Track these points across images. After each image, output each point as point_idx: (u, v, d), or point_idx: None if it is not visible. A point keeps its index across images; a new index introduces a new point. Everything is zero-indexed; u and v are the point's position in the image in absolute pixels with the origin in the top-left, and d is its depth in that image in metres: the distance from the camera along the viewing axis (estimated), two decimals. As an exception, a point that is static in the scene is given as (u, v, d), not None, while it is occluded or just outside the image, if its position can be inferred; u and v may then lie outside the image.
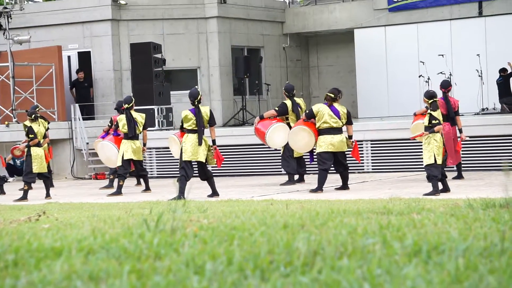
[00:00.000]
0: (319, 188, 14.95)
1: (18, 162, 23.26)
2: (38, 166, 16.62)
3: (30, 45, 24.50)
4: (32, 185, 16.82)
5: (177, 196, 13.96)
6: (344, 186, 15.29)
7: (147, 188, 17.24)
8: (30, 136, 16.67)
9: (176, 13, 25.70)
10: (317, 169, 15.33)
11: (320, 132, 15.10)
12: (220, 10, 25.89)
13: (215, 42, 25.81)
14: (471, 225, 5.90)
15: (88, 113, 24.53)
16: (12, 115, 23.04)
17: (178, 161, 15.22)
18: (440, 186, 13.64)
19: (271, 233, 5.60)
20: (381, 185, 16.10)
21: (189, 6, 25.85)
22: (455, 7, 25.74)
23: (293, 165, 17.06)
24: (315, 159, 15.53)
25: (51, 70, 23.55)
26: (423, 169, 14.16)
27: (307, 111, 15.59)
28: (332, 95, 15.21)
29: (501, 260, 4.48)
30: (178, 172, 15.15)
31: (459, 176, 16.17)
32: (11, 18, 22.97)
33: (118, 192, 16.47)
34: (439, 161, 13.54)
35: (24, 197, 16.45)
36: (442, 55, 23.71)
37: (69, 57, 25.39)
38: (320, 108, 15.14)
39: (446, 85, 16.14)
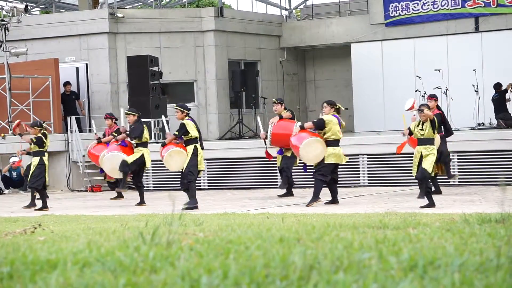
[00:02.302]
0: (318, 198, 14.94)
1: (14, 174, 23.22)
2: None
3: (27, 58, 24.51)
4: (24, 197, 16.89)
5: (191, 204, 14.67)
6: (334, 200, 15.26)
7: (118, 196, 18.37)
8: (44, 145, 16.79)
9: (173, 26, 25.74)
10: (312, 182, 15.35)
11: (327, 143, 15.05)
12: (217, 24, 25.94)
13: (212, 56, 25.85)
14: (467, 240, 5.90)
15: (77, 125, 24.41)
16: (8, 127, 23.01)
17: (186, 171, 15.24)
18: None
19: (267, 247, 5.60)
20: (377, 199, 16.09)
21: (186, 19, 25.90)
22: (451, 23, 25.82)
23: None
24: (309, 170, 15.54)
25: (47, 82, 23.54)
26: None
27: (316, 121, 15.30)
28: (337, 106, 15.35)
29: (497, 276, 4.47)
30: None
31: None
32: (8, 31, 22.99)
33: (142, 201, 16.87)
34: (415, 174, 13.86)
35: (44, 206, 16.58)
36: (439, 70, 23.75)
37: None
38: (332, 120, 15.09)
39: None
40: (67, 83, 24.90)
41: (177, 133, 15.27)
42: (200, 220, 9.89)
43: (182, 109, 15.42)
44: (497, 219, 7.38)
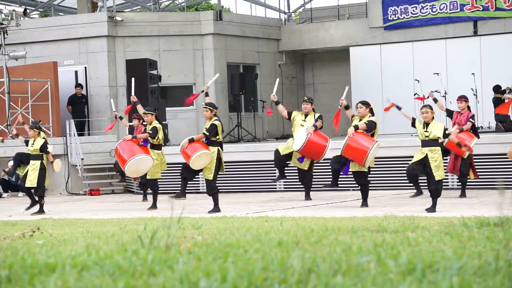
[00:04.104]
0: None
1: (12, 177, 23.20)
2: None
3: (26, 61, 24.51)
4: (22, 200, 16.84)
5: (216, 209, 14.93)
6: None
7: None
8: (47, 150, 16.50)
9: (172, 30, 25.76)
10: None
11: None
12: (216, 27, 25.95)
13: (211, 59, 25.86)
14: (466, 244, 5.90)
15: (81, 128, 24.49)
16: (7, 131, 23.01)
17: (214, 175, 15.30)
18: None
19: (266, 250, 5.59)
20: (375, 202, 16.09)
21: (185, 23, 25.91)
22: (450, 26, 25.83)
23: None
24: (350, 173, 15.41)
25: (46, 86, 23.55)
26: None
27: (369, 123, 15.29)
28: (371, 106, 15.63)
29: (495, 279, 4.47)
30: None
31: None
32: (7, 34, 22.99)
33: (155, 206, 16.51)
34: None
35: (41, 210, 16.47)
36: (437, 73, 23.76)
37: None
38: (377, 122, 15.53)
39: None
40: (78, 85, 24.96)
41: (207, 133, 15.09)
42: (198, 224, 9.89)
43: (211, 108, 15.28)
44: (495, 223, 7.38)
